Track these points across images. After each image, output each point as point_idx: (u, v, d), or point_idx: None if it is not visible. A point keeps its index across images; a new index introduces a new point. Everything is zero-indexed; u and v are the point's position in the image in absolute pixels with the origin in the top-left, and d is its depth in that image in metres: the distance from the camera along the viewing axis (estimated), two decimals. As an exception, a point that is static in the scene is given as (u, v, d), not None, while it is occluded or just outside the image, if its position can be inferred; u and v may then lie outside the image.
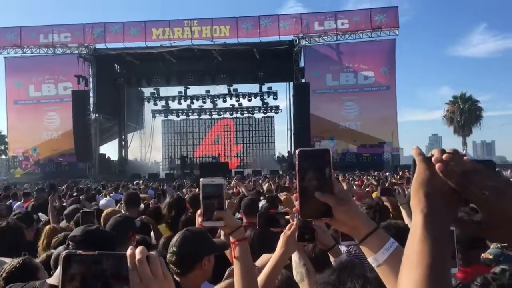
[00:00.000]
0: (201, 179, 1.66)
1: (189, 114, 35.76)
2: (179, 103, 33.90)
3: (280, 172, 25.83)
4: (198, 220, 1.62)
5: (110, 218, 3.51)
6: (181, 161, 31.97)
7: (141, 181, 18.61)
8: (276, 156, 34.49)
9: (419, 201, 0.87)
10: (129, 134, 34.51)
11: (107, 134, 31.93)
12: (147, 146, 36.11)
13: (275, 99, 32.94)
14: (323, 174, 1.13)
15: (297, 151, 1.17)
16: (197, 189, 9.77)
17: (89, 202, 8.76)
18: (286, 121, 32.21)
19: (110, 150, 32.78)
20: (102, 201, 8.57)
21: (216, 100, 34.06)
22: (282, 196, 3.96)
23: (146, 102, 35.18)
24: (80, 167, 28.58)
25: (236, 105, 34.13)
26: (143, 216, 5.01)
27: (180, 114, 35.63)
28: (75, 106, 26.64)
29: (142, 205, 6.25)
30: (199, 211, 1.63)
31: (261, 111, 34.93)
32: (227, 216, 1.68)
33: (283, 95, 33.27)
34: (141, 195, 7.87)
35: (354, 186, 8.51)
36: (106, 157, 31.23)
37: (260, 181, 13.60)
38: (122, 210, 5.35)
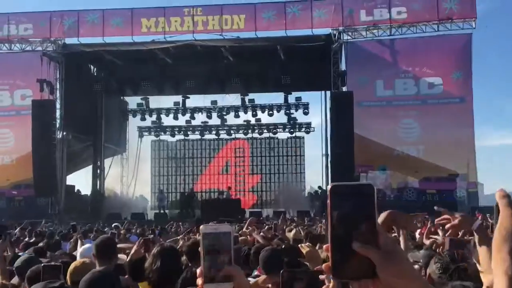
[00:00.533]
0: (201, 227, 1.69)
1: (189, 132, 36.21)
2: (175, 118, 34.37)
3: (312, 214, 25.66)
4: (198, 282, 1.64)
5: (80, 274, 3.55)
6: (181, 198, 32.18)
7: (121, 224, 18.71)
8: (306, 191, 34.44)
9: (502, 260, 0.88)
10: (106, 160, 35.00)
11: (77, 159, 32.38)
12: (131, 176, 36.57)
13: (305, 113, 33.14)
14: (365, 219, 1.15)
15: (329, 186, 1.19)
16: (197, 236, 9.80)
17: (52, 251, 8.82)
18: (321, 144, 32.26)
19: (81, 181, 33.22)
20: (82, 249, 8.61)
21: (226, 115, 34.48)
22: (304, 248, 3.96)
23: (131, 117, 35.75)
24: (40, 204, 28.90)
25: (253, 121, 34.47)
26: (125, 276, 5.04)
27: (176, 132, 36.09)
28: (36, 121, 27.21)
29: (123, 256, 6.28)
30: (198, 270, 1.65)
31: (287, 129, 35.17)
32: (238, 274, 1.66)
33: (316, 109, 33.13)
34: (119, 245, 7.89)
35: (417, 235, 8.41)
36: (76, 190, 31.64)
37: (284, 227, 13.49)
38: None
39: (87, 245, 9.01)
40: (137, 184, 36.61)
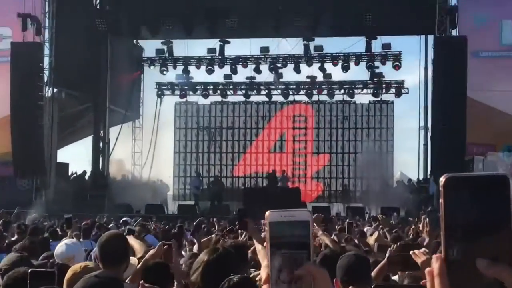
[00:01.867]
0: (267, 214, 1.72)
1: (228, 92, 36.39)
2: (210, 71, 34.51)
3: (403, 213, 25.41)
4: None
5: (80, 281, 3.58)
6: (214, 185, 32.46)
7: (133, 219, 18.95)
8: (395, 179, 34.33)
9: None
10: (112, 129, 35.61)
11: (72, 127, 32.99)
12: (146, 152, 37.02)
13: (396, 68, 32.83)
14: (497, 225, 1.14)
15: (442, 178, 1.20)
16: (242, 237, 9.98)
17: (37, 253, 8.99)
18: (418, 112, 31.91)
19: (77, 157, 33.98)
20: (59, 247, 8.76)
21: (281, 68, 34.42)
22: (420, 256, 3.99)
23: (147, 68, 36.18)
24: (22, 187, 29.49)
25: (320, 77, 34.37)
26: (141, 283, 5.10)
27: (210, 92, 36.31)
28: (16, 73, 27.56)
29: (134, 260, 6.39)
30: (263, 272, 1.70)
31: (369, 90, 35.03)
32: (321, 274, 1.70)
33: (412, 62, 32.53)
34: (134, 245, 8.00)
35: None
36: (70, 170, 32.21)
37: (363, 227, 13.44)
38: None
39: (67, 242, 9.16)
40: (155, 164, 37.11)
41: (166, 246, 6.32)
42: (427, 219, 8.11)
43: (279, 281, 1.66)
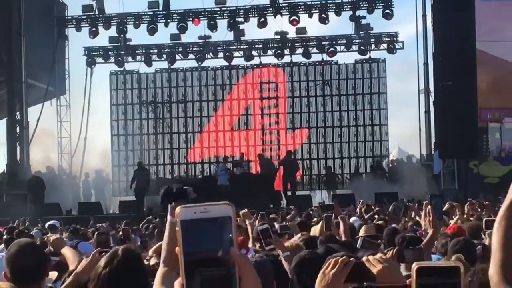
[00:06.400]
0: (177, 210, 1.81)
1: (176, 57, 36.52)
2: (152, 31, 34.65)
3: (405, 201, 25.48)
4: None
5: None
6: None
7: (55, 223, 18.75)
8: (391, 157, 35.01)
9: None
10: (31, 109, 35.70)
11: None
12: (77, 136, 37.20)
13: (387, 16, 33.00)
14: None
15: (414, 266, 1.65)
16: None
17: None
18: (416, 72, 31.99)
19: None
20: None
21: (242, 23, 34.59)
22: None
23: (72, 30, 36.16)
24: None
25: (292, 32, 34.75)
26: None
27: (154, 57, 36.43)
28: None
29: (53, 275, 6.33)
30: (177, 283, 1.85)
31: (355, 46, 35.24)
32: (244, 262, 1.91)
33: (408, 8, 32.60)
34: (66, 253, 8.04)
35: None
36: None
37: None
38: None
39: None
40: (87, 152, 37.24)
41: (103, 254, 6.21)
42: (429, 205, 8.03)
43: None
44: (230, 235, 1.79)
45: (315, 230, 11.68)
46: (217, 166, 33.28)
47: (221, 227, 1.78)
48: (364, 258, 4.02)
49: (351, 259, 3.76)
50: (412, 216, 15.93)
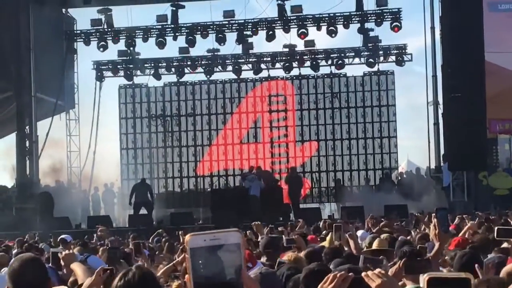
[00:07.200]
0: (187, 238, 1.86)
1: (185, 70, 36.43)
2: (161, 45, 34.51)
3: (416, 212, 25.38)
4: None
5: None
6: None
7: (67, 237, 18.75)
8: (400, 169, 34.85)
9: None
10: (41, 123, 35.57)
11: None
12: (86, 150, 37.05)
13: (395, 29, 32.96)
14: None
15: (425, 277, 1.64)
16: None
17: None
18: (425, 84, 31.90)
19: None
20: None
21: (251, 36, 34.67)
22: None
23: (81, 44, 36.04)
24: None
25: (301, 45, 34.65)
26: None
27: (162, 70, 36.40)
28: None
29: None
30: None
31: (363, 58, 35.24)
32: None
33: (416, 20, 32.46)
34: (76, 269, 8.04)
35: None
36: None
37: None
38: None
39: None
40: (96, 166, 37.29)
41: (107, 271, 6.21)
42: (435, 219, 8.02)
43: None
44: (240, 262, 1.78)
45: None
46: (243, 177, 32.73)
47: (231, 254, 1.78)
48: (363, 274, 4.08)
49: (350, 274, 3.78)
50: (422, 228, 15.88)
